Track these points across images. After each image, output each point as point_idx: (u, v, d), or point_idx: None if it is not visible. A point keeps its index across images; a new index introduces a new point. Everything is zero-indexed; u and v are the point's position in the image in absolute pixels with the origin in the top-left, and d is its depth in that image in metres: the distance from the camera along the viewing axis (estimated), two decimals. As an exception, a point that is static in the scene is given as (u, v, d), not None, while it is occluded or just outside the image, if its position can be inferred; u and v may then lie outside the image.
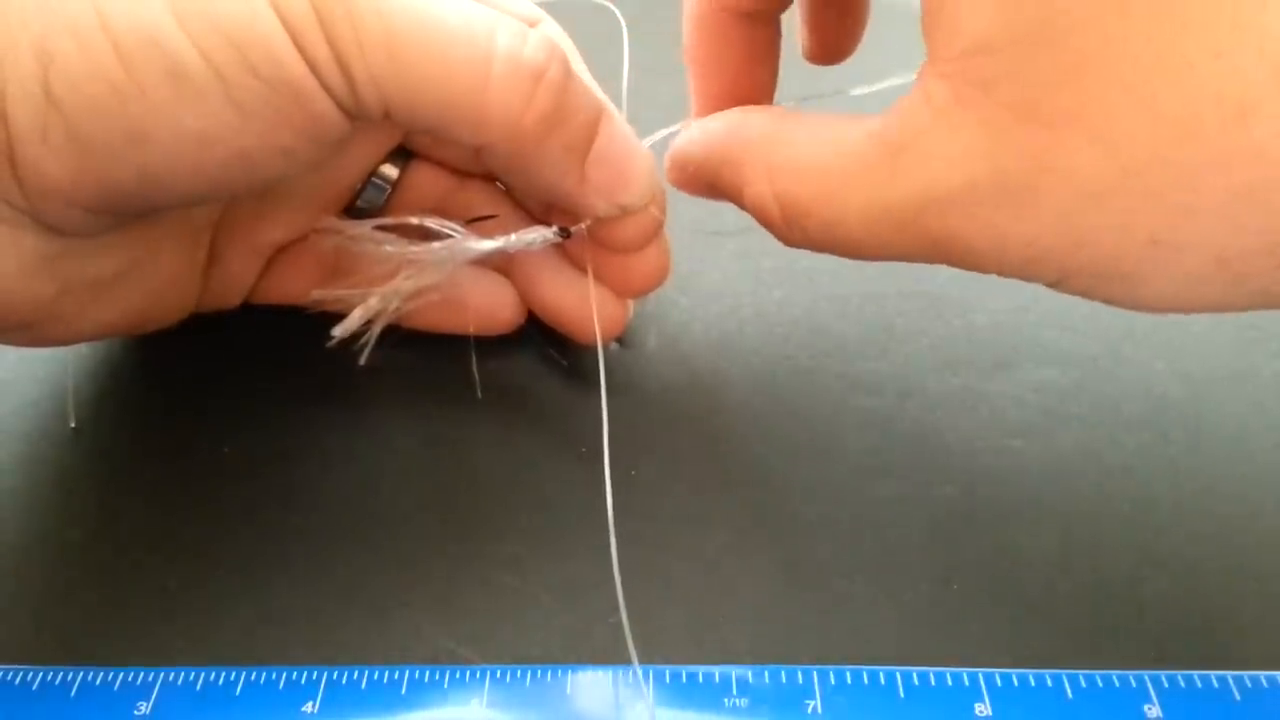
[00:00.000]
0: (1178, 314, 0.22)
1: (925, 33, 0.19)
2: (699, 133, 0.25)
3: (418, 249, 0.26)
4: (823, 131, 0.22)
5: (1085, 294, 0.20)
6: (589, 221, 0.26)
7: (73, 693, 0.23)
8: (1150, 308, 0.19)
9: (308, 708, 0.23)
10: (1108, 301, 0.19)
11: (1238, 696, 0.22)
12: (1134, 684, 0.23)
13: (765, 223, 0.23)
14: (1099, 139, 0.17)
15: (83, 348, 0.30)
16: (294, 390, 0.29)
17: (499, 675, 0.23)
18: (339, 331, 0.27)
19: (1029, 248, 0.19)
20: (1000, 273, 0.20)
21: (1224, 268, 0.17)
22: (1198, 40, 0.16)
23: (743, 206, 0.24)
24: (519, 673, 0.23)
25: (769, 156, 0.22)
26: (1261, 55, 0.16)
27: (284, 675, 0.23)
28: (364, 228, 0.27)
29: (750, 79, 0.25)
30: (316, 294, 0.27)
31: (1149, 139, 0.17)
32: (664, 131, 0.27)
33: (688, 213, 0.29)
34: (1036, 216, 0.18)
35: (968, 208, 0.19)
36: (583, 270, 0.27)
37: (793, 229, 0.22)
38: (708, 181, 0.25)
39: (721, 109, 0.25)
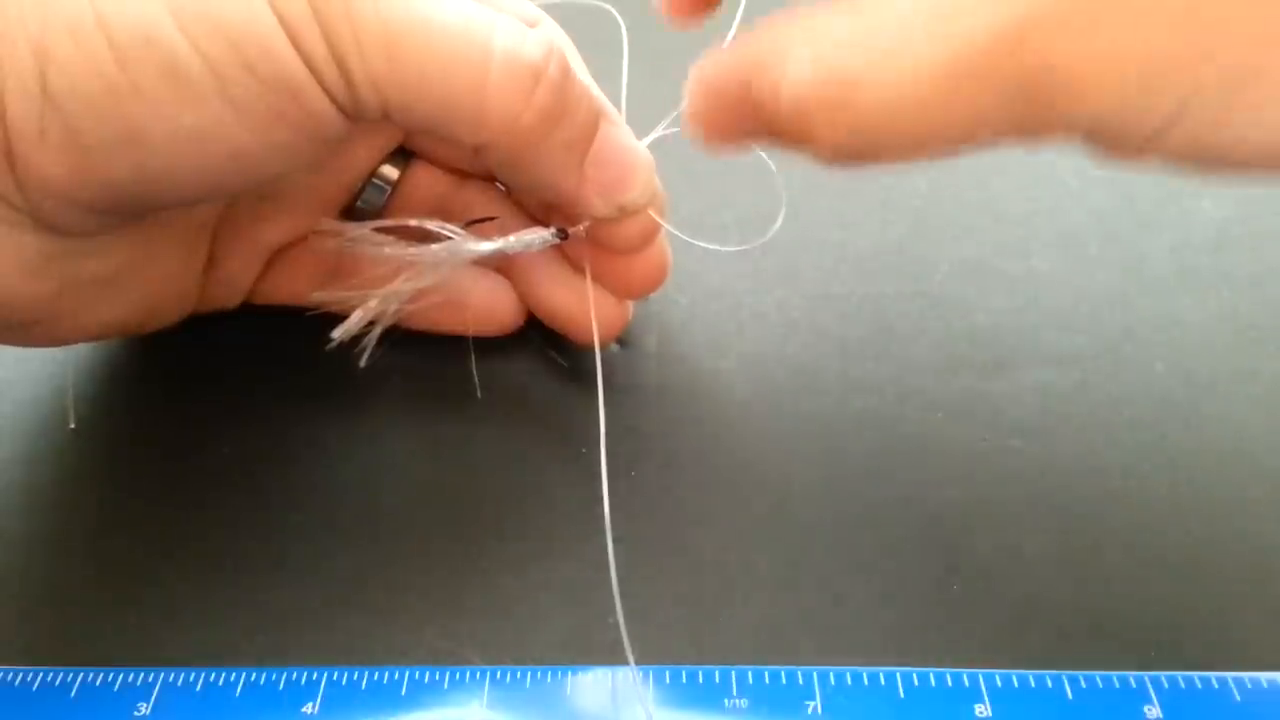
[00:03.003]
0: None
1: None
2: (729, 46, 0.21)
3: (417, 250, 0.26)
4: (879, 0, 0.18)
5: (1204, 138, 0.17)
6: (588, 222, 0.26)
7: (73, 693, 0.23)
8: None
9: (308, 708, 0.23)
10: (1232, 150, 0.17)
11: (1238, 697, 0.22)
12: (1134, 685, 0.23)
13: (805, 121, 0.19)
14: None
15: (82, 348, 0.30)
16: (294, 390, 0.29)
17: (499, 676, 0.23)
18: (339, 333, 0.27)
19: (1149, 58, 0.16)
20: (1107, 110, 0.17)
21: None
22: None
23: (777, 121, 0.19)
24: (519, 673, 0.23)
25: (814, 33, 0.19)
26: None
27: (284, 676, 0.23)
28: (364, 229, 0.27)
29: None
30: (316, 296, 0.27)
31: None
32: (660, 130, 0.27)
33: (687, 212, 0.29)
34: (1157, 17, 0.16)
35: (1077, 21, 0.16)
36: (582, 271, 0.27)
37: (838, 117, 0.18)
38: (737, 95, 0.20)
39: None
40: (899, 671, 0.23)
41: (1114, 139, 0.17)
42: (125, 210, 0.23)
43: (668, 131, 0.26)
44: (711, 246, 0.31)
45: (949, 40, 0.17)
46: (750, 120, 0.20)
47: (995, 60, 0.17)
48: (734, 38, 0.21)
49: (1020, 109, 0.17)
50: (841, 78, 0.18)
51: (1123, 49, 0.16)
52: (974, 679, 0.23)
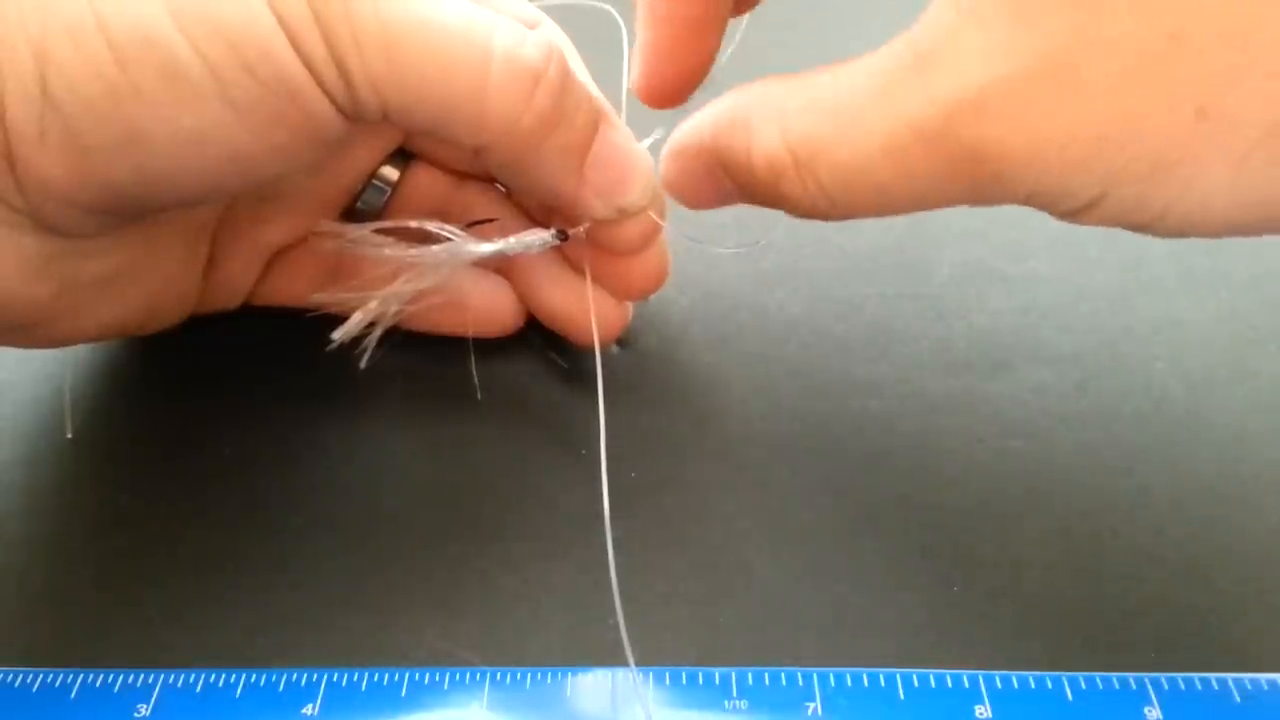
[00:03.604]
0: (1233, 234, 0.19)
1: None
2: (697, 115, 0.23)
3: (417, 252, 0.26)
4: (841, 69, 0.20)
5: (1130, 210, 0.18)
6: (588, 224, 0.26)
7: (73, 695, 0.23)
8: (1203, 215, 0.17)
9: (308, 710, 0.23)
10: (1159, 219, 0.18)
11: (1238, 698, 0.22)
12: (1134, 686, 0.23)
13: (775, 184, 0.21)
14: (1141, 5, 0.16)
15: (82, 349, 0.30)
16: (294, 392, 0.29)
17: (499, 677, 0.23)
18: (339, 335, 0.27)
19: (1070, 146, 0.17)
20: (1038, 188, 0.18)
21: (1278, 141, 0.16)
22: None
23: (752, 177, 0.21)
24: (519, 675, 0.23)
25: (778, 106, 0.20)
26: None
27: (284, 677, 0.23)
28: (363, 231, 0.27)
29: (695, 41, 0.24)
30: (317, 297, 0.27)
31: None
32: (660, 132, 0.27)
33: (687, 213, 0.29)
34: (1080, 103, 0.17)
35: (1003, 106, 0.17)
36: (582, 273, 0.27)
37: (809, 180, 0.20)
38: (709, 163, 0.22)
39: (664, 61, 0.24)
40: (899, 673, 0.23)
41: (1049, 209, 0.19)
42: (125, 211, 0.23)
43: (667, 133, 0.26)
44: (711, 247, 0.31)
45: (893, 120, 0.18)
46: (722, 184, 0.22)
47: (931, 142, 0.18)
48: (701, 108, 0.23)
49: (962, 182, 0.18)
50: (805, 147, 0.20)
51: (1044, 136, 0.17)
52: (974, 680, 0.23)
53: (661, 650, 0.24)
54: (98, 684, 0.23)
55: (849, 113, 0.19)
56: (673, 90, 0.25)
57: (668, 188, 0.24)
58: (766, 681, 0.23)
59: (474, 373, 0.29)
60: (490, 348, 0.29)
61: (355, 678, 0.23)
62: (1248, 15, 0.16)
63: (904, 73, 0.18)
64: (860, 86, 0.19)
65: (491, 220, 0.27)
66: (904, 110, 0.18)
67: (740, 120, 0.21)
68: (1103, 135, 0.17)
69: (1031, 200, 0.19)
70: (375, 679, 0.23)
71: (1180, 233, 0.18)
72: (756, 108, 0.21)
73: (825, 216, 0.21)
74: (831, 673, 0.23)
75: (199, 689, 0.23)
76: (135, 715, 0.23)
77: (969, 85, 0.17)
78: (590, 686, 0.23)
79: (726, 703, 0.23)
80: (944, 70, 0.18)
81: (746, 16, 0.26)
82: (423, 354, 0.30)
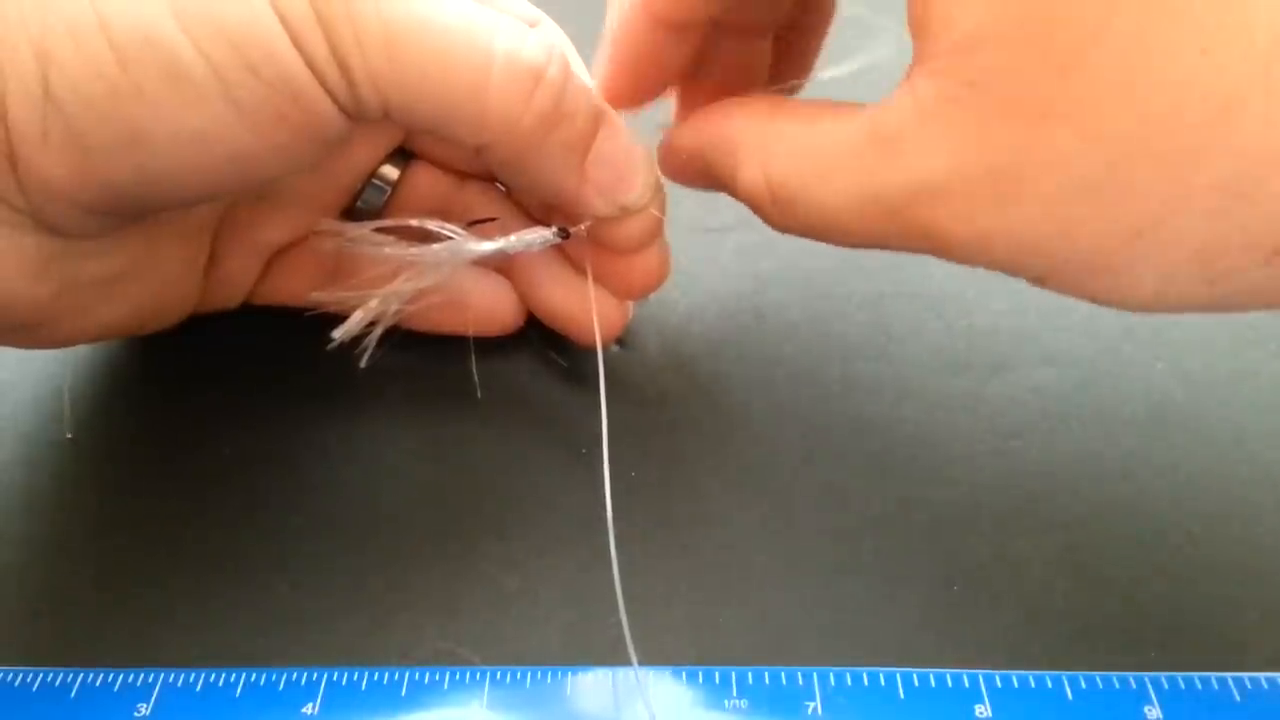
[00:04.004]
0: (1163, 314, 0.22)
1: (913, 31, 0.19)
2: (693, 121, 0.25)
3: (417, 250, 0.26)
4: (816, 119, 0.22)
5: (1070, 291, 0.20)
6: (589, 222, 0.26)
7: (73, 694, 0.23)
8: (1133, 305, 0.19)
9: (308, 709, 0.23)
10: (1092, 299, 0.20)
11: (1238, 698, 0.22)
12: (1134, 685, 0.23)
13: (757, 208, 0.23)
14: (1085, 133, 0.17)
15: (82, 349, 0.30)
16: (294, 391, 0.29)
17: (499, 676, 0.23)
18: (339, 334, 0.27)
19: (1014, 242, 0.19)
20: (987, 266, 0.20)
21: (1206, 264, 0.18)
22: (1185, 36, 0.16)
23: (735, 193, 0.24)
24: (519, 674, 0.23)
25: (763, 142, 0.22)
26: (1247, 52, 0.16)
27: (284, 676, 0.23)
28: (364, 229, 0.27)
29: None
30: (316, 296, 0.27)
31: (1135, 132, 0.17)
32: (661, 131, 0.27)
33: (687, 213, 0.29)
34: (1022, 210, 0.18)
35: (955, 201, 0.19)
36: (582, 272, 0.27)
37: (784, 214, 0.22)
38: (700, 169, 0.25)
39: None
40: (899, 672, 0.23)
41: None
42: (127, 211, 0.22)
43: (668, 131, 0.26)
44: (711, 246, 0.31)
45: (867, 182, 0.20)
46: (713, 182, 0.24)
47: (893, 214, 0.20)
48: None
49: (918, 247, 0.20)
50: (784, 191, 0.22)
51: (987, 232, 0.19)
52: (974, 679, 0.23)
53: (661, 649, 0.24)
54: (98, 683, 0.23)
55: (824, 171, 0.21)
56: (629, 98, 0.26)
57: (666, 175, 0.26)
58: (766, 681, 0.23)
59: (474, 372, 0.29)
60: (490, 347, 0.29)
61: (355, 677, 0.23)
62: (1187, 150, 0.17)
63: (870, 149, 0.20)
64: (837, 147, 0.21)
65: (491, 220, 0.27)
66: (871, 183, 0.20)
67: (728, 146, 0.23)
68: (1041, 238, 0.19)
69: (986, 268, 0.20)
70: (375, 678, 0.23)
71: (1131, 307, 0.20)
72: (743, 138, 0.23)
73: (802, 235, 0.23)
74: (832, 672, 0.23)
75: (199, 688, 0.23)
76: (135, 714, 0.23)
77: (925, 178, 0.19)
78: (590, 686, 0.23)
79: (727, 702, 0.23)
80: (904, 159, 0.19)
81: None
82: (423, 353, 0.30)
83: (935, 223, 0.19)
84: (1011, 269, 0.20)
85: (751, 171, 0.23)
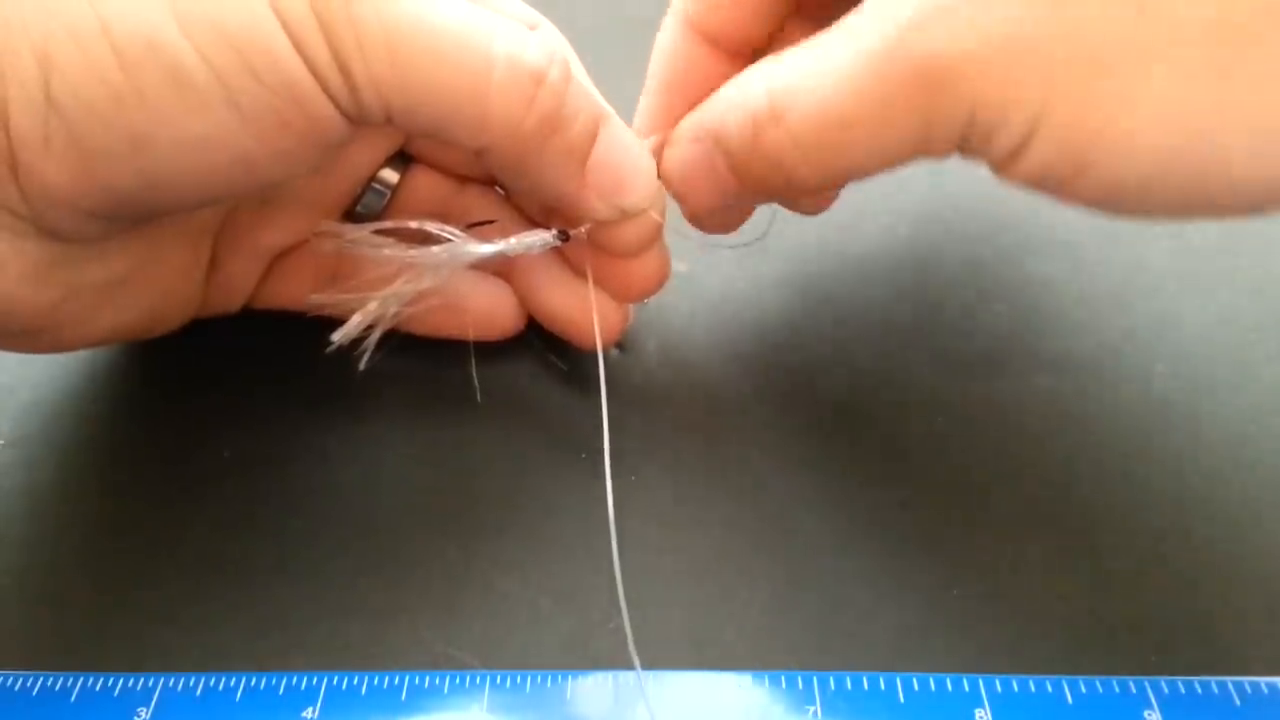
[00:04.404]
0: (1158, 185, 0.19)
1: None
2: (693, 112, 0.24)
3: (417, 253, 0.26)
4: (817, 40, 0.21)
5: (1065, 145, 0.18)
6: (588, 225, 0.26)
7: (73, 698, 0.23)
8: (1131, 147, 0.18)
9: (308, 713, 0.23)
10: (1086, 167, 0.18)
11: (1238, 702, 0.22)
12: (1134, 689, 0.23)
13: (757, 141, 0.22)
14: None
15: (83, 353, 0.30)
16: (294, 394, 0.29)
17: (499, 681, 0.23)
18: (339, 337, 0.27)
19: (1010, 45, 0.18)
20: (979, 100, 0.18)
21: (1223, 36, 0.17)
22: None
23: (741, 153, 0.22)
24: (519, 678, 0.23)
25: (770, 63, 0.22)
26: None
27: (284, 681, 0.23)
28: (363, 232, 0.27)
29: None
30: (316, 298, 0.27)
31: None
32: (659, 134, 0.27)
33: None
34: (1018, 6, 0.18)
35: (948, 16, 0.18)
36: (583, 275, 0.27)
37: (781, 129, 0.21)
38: (708, 144, 0.23)
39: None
40: (899, 676, 0.23)
41: (987, 150, 0.19)
42: (129, 216, 0.22)
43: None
44: (711, 248, 0.31)
45: (853, 53, 0.19)
46: (717, 167, 0.23)
47: (885, 65, 0.19)
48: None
49: (914, 103, 0.19)
50: (783, 91, 0.21)
51: (985, 37, 0.18)
52: (974, 684, 0.23)
53: (662, 653, 0.24)
54: (98, 687, 0.23)
55: (823, 58, 0.20)
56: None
57: (667, 178, 0.25)
58: (767, 684, 0.23)
59: (474, 375, 0.29)
60: (491, 350, 0.29)
61: (355, 681, 0.23)
62: None
63: (866, 14, 0.20)
64: (832, 36, 0.20)
65: (491, 222, 0.27)
66: (863, 41, 0.19)
67: (735, 91, 0.22)
68: (1043, 35, 0.17)
69: (972, 132, 0.19)
70: (375, 682, 0.23)
71: (1108, 188, 0.18)
72: (750, 72, 0.22)
73: (802, 180, 0.22)
74: (832, 676, 0.23)
75: (199, 692, 0.23)
76: (135, 718, 0.23)
77: (919, 5, 0.18)
78: (590, 689, 0.23)
79: (728, 705, 0.23)
80: (929, 24, 0.18)
81: None
82: (423, 357, 0.30)
83: (931, 50, 0.18)
84: (1006, 95, 0.18)
85: (755, 89, 0.21)
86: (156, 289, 0.26)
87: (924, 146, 0.20)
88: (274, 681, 0.23)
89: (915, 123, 0.19)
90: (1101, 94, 0.18)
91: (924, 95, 0.19)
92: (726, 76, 0.23)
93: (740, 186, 0.23)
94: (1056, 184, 0.19)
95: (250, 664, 0.24)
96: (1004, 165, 0.19)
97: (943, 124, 0.19)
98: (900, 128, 0.20)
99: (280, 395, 0.29)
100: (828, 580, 0.25)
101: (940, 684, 0.23)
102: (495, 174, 0.27)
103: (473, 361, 0.29)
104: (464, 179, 0.29)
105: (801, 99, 0.20)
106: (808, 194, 0.23)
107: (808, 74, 0.20)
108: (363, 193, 0.28)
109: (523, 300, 0.29)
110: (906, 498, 0.27)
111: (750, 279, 0.32)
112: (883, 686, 0.23)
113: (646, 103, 0.26)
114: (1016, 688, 0.23)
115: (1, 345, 0.25)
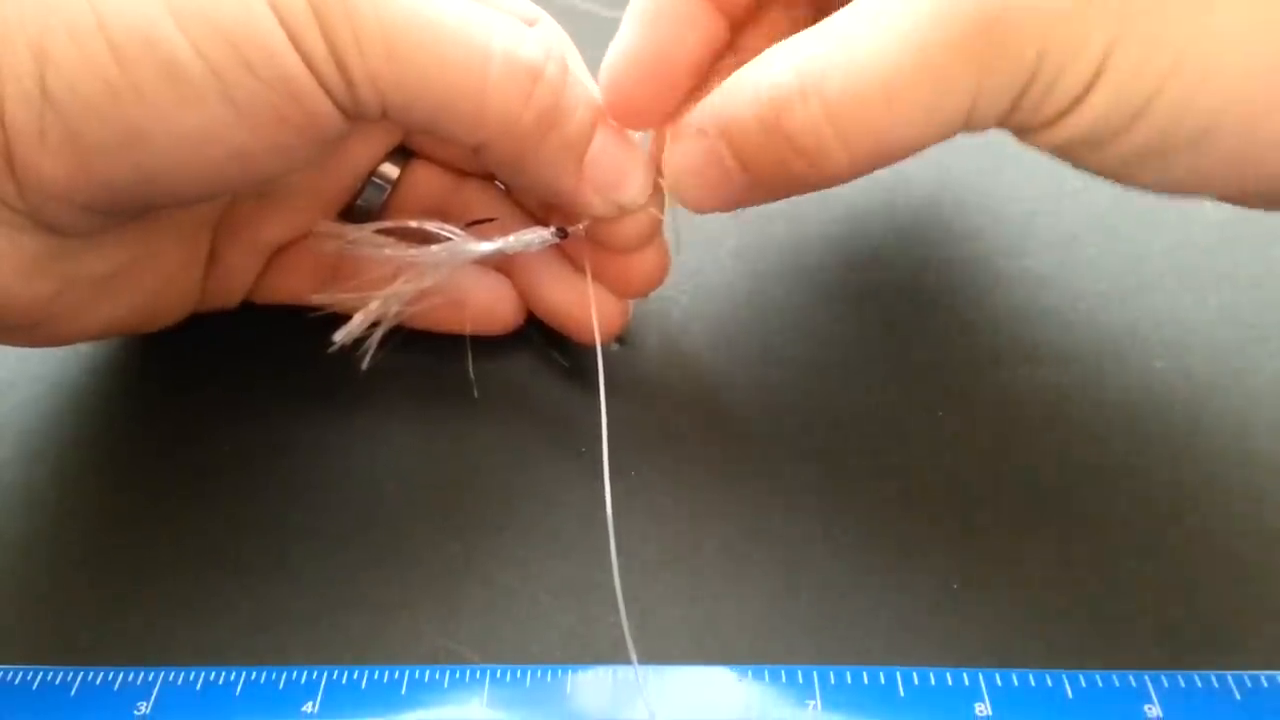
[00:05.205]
0: (1226, 135, 0.18)
1: None
2: (705, 99, 0.23)
3: (417, 251, 0.26)
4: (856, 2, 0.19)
5: (1137, 81, 0.17)
6: (587, 221, 0.26)
7: (73, 692, 0.23)
8: (1206, 85, 0.17)
9: (308, 708, 0.23)
10: (1151, 110, 0.17)
11: (1238, 696, 0.22)
12: (1134, 684, 0.23)
13: (779, 122, 0.20)
14: None
15: (82, 346, 0.30)
16: (294, 390, 0.29)
17: (499, 675, 0.23)
18: (340, 336, 0.27)
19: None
20: (1046, 43, 0.17)
21: None
22: None
23: (755, 140, 0.21)
24: (519, 672, 0.23)
25: (794, 41, 0.20)
26: None
27: (284, 675, 0.23)
28: (363, 231, 0.27)
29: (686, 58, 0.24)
30: (317, 298, 0.27)
31: None
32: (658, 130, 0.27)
33: (686, 211, 0.29)
34: None
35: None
36: (582, 270, 0.27)
37: (811, 105, 0.19)
38: (714, 137, 0.22)
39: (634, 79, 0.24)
40: (899, 670, 0.23)
41: (1047, 101, 0.18)
42: (125, 210, 0.23)
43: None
44: (711, 244, 0.31)
45: (903, 7, 0.18)
46: (722, 161, 0.22)
47: (947, 13, 0.18)
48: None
49: (970, 60, 0.18)
50: (813, 65, 0.19)
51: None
52: (974, 678, 0.23)
53: (661, 648, 0.24)
54: (98, 682, 0.23)
55: (854, 25, 0.19)
56: (640, 107, 0.24)
57: (671, 174, 0.24)
58: (767, 679, 0.23)
59: (471, 371, 0.29)
60: (490, 345, 0.29)
61: (355, 675, 0.23)
62: None
63: None
64: (862, 14, 0.19)
65: (491, 219, 0.27)
66: (909, 2, 0.18)
67: (755, 69, 0.21)
68: None
69: (1031, 87, 0.18)
70: (375, 677, 0.23)
71: (1153, 142, 0.18)
72: (764, 56, 0.21)
73: (834, 165, 0.20)
74: (832, 670, 0.23)
75: (199, 686, 0.23)
76: (135, 713, 0.23)
77: None
78: (590, 684, 0.23)
79: (727, 700, 0.23)
80: None
81: None
82: (423, 352, 0.30)
83: (1010, 32, 0.17)
84: (1074, 31, 0.17)
85: (779, 67, 0.20)
86: (154, 283, 0.26)
87: (969, 117, 0.19)
88: (274, 676, 0.23)
89: (967, 87, 0.18)
90: (1170, 29, 0.17)
91: (984, 50, 0.18)
92: (709, 29, 0.23)
93: (750, 182, 0.23)
94: (1099, 141, 0.18)
95: (250, 658, 0.24)
96: (1052, 122, 0.18)
97: (998, 84, 0.18)
98: (952, 93, 0.18)
99: (281, 390, 0.29)
100: (827, 574, 0.25)
101: (940, 678, 0.23)
102: (493, 170, 0.27)
103: (469, 357, 0.29)
104: (464, 174, 0.29)
105: (839, 72, 0.19)
106: (831, 183, 0.21)
107: (843, 44, 0.19)
108: (363, 187, 0.28)
109: (523, 295, 0.29)
110: (906, 492, 0.27)
111: (750, 273, 0.32)
112: (883, 680, 0.23)
113: (619, 64, 0.24)
114: (1017, 682, 0.23)
115: (-1, 339, 0.25)
